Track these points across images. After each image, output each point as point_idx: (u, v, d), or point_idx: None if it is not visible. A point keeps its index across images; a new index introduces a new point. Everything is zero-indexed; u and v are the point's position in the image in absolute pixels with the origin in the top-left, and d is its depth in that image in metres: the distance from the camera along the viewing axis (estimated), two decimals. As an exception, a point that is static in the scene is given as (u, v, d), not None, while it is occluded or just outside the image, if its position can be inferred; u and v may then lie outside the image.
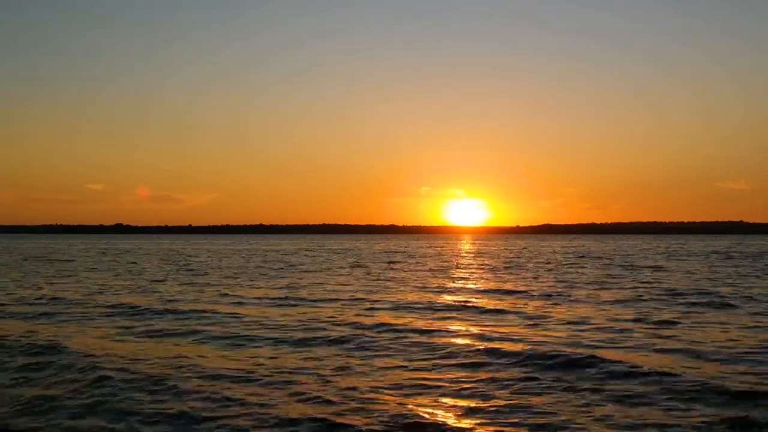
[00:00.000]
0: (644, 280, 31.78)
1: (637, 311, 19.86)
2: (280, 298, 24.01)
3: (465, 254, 71.29)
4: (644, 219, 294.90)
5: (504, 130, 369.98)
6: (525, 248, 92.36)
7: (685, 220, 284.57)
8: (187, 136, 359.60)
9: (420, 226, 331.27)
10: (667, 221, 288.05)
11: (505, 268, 44.38)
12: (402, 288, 28.62)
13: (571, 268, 43.22)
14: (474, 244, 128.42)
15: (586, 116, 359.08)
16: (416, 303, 22.57)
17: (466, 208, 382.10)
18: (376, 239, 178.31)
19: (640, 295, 24.53)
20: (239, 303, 22.72)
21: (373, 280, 33.33)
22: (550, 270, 41.06)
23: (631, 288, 27.77)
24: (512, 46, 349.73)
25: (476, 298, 24.52)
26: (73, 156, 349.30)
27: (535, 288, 28.11)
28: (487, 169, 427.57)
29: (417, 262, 52.13)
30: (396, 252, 76.93)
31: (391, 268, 43.39)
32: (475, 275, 37.23)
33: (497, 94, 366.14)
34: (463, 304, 22.27)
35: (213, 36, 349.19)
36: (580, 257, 60.00)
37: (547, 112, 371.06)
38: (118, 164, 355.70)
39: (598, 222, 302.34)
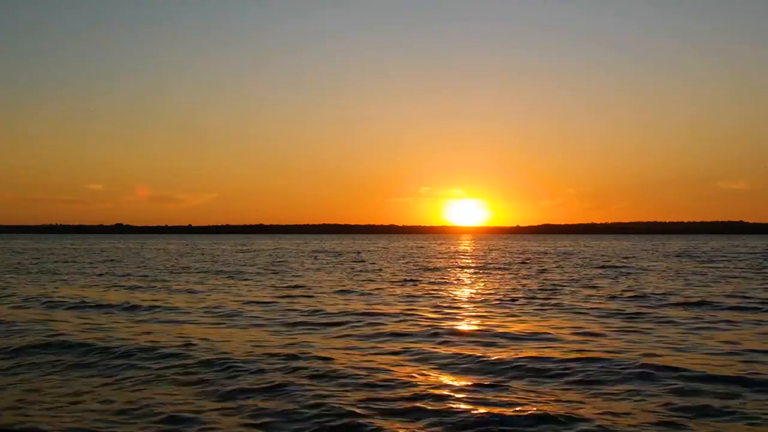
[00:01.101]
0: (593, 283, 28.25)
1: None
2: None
3: (440, 255, 67.75)
4: (644, 219, 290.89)
5: (504, 130, 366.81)
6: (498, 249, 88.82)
7: (685, 220, 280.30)
8: (187, 136, 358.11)
9: (420, 226, 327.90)
10: (667, 221, 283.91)
11: (469, 269, 40.90)
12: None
13: (533, 269, 39.70)
14: (464, 244, 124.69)
15: (586, 116, 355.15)
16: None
17: (466, 208, 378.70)
18: (371, 239, 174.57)
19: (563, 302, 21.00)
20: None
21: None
22: (509, 272, 37.55)
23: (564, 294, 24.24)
24: (512, 46, 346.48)
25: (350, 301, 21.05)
26: (73, 156, 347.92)
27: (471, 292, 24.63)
28: (487, 169, 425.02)
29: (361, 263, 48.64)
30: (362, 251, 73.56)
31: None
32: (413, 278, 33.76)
33: (497, 94, 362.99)
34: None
35: (213, 37, 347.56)
36: (563, 258, 56.51)
37: (547, 112, 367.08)
38: (118, 164, 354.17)
39: (598, 222, 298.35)
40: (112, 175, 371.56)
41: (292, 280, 30.22)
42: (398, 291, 24.88)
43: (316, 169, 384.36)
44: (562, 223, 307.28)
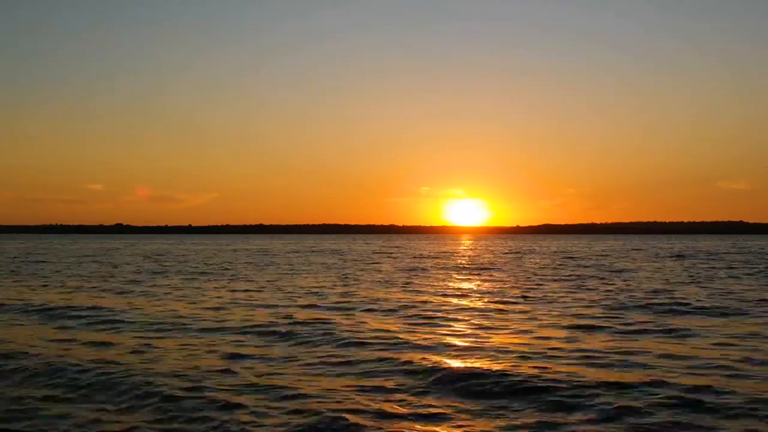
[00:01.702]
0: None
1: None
2: None
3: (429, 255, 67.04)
4: (644, 219, 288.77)
5: (504, 130, 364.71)
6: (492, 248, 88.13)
7: (685, 220, 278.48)
8: (187, 136, 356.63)
9: (420, 226, 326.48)
10: (667, 221, 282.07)
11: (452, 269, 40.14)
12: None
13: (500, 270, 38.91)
14: (459, 245, 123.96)
15: (586, 116, 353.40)
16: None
17: (466, 208, 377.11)
18: (370, 239, 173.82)
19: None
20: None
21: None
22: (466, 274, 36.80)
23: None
24: (512, 46, 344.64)
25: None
26: (73, 156, 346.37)
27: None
28: (487, 169, 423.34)
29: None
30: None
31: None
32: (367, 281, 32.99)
33: (497, 94, 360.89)
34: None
35: (213, 37, 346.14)
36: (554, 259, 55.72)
37: (547, 112, 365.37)
38: (118, 164, 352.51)
39: (598, 222, 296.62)
40: (112, 175, 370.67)
41: (260, 281, 29.48)
42: (367, 294, 24.11)
43: (316, 169, 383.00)
44: (562, 223, 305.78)
